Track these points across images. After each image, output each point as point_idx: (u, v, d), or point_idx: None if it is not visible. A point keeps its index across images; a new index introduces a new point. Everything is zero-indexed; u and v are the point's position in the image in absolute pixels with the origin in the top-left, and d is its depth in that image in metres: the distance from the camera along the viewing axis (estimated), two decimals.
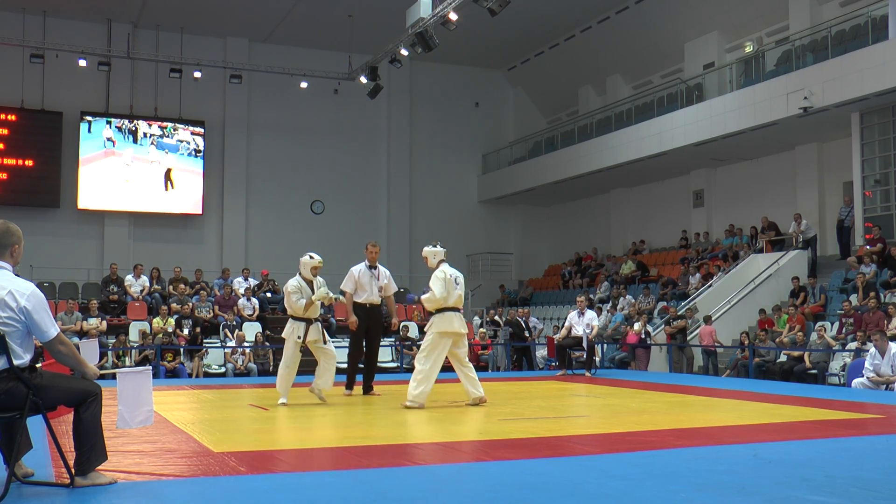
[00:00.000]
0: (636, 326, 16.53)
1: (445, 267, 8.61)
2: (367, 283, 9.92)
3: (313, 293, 8.88)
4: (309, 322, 8.87)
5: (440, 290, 8.39)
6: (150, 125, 23.27)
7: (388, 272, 10.21)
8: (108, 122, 22.89)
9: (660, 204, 24.27)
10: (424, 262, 8.86)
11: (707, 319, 15.91)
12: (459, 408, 8.47)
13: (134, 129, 23.14)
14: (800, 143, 19.56)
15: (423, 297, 8.67)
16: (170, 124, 23.45)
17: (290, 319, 8.96)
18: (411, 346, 16.37)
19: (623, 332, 17.54)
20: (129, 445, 5.74)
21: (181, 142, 23.56)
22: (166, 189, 23.28)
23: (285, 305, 9.35)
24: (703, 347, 15.64)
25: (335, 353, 9.18)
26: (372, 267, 10.01)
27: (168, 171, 23.34)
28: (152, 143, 23.27)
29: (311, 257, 9.08)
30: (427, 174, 26.78)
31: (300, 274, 9.03)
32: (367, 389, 10.06)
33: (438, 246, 8.81)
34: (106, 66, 21.62)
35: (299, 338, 8.81)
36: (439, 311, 8.41)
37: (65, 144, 22.36)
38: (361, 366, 10.22)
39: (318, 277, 9.12)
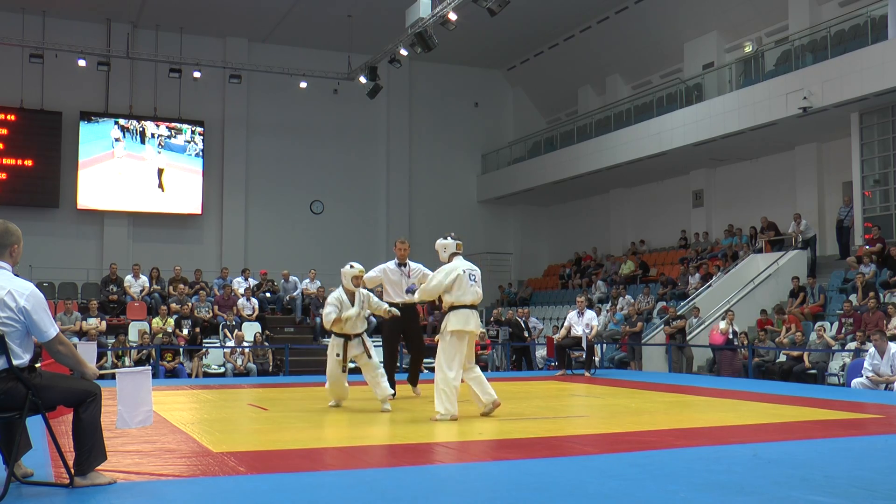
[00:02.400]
0: (722, 325, 15.03)
1: (458, 261, 7.89)
2: (397, 281, 9.35)
3: (353, 306, 8.28)
4: (348, 338, 8.31)
5: (437, 282, 7.71)
6: (157, 125, 23.28)
7: (421, 267, 9.54)
8: (116, 123, 22.91)
9: (659, 204, 24.27)
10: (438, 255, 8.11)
11: (730, 314, 15.90)
12: (460, 407, 8.45)
13: (142, 129, 23.15)
14: (799, 143, 19.56)
15: (417, 288, 8.18)
16: (180, 125, 23.45)
17: (332, 335, 8.47)
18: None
19: (622, 332, 17.55)
20: (129, 445, 5.74)
21: (188, 142, 23.56)
22: (162, 190, 23.19)
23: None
24: (712, 346, 15.50)
25: (378, 363, 8.48)
26: (401, 265, 9.47)
27: (160, 172, 23.27)
28: (159, 144, 23.27)
29: (350, 266, 8.46)
30: (426, 174, 26.78)
31: (342, 286, 8.43)
32: (413, 383, 9.75)
33: (450, 238, 8.02)
34: (105, 65, 21.60)
35: (338, 355, 8.29)
36: (453, 308, 7.64)
37: (64, 144, 22.35)
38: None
39: (362, 289, 8.50)
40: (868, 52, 15.75)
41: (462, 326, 7.56)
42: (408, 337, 9.80)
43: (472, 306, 7.72)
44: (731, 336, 14.89)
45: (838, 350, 13.62)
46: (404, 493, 4.43)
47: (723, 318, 15.47)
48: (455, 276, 7.67)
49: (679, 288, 19.09)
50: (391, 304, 9.12)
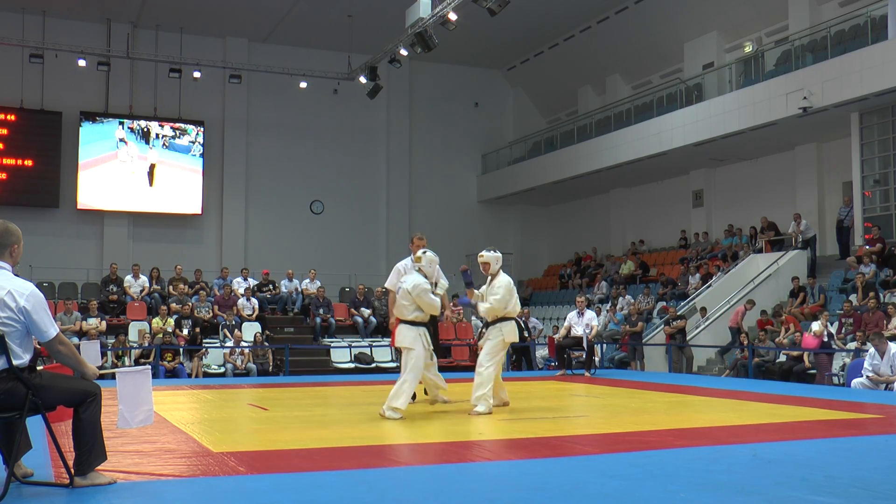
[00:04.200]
0: (815, 327, 13.59)
1: (505, 274, 8.14)
2: None
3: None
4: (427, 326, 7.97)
5: (506, 298, 7.95)
6: (161, 126, 23.27)
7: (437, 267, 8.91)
8: (121, 123, 22.90)
9: (659, 204, 24.27)
10: (483, 268, 8.15)
11: (750, 303, 15.98)
12: (460, 407, 8.46)
13: (146, 130, 23.13)
14: (799, 143, 19.57)
15: (489, 303, 7.96)
16: (184, 126, 23.44)
17: (409, 325, 7.80)
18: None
19: (622, 332, 17.55)
20: (129, 445, 5.74)
21: (192, 143, 23.55)
22: (150, 185, 23.09)
23: (400, 306, 7.86)
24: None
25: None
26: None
27: (152, 167, 23.19)
28: (163, 145, 23.26)
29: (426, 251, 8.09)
30: (426, 174, 26.78)
31: (421, 271, 7.96)
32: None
33: (498, 251, 8.23)
34: (105, 65, 21.60)
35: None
36: (506, 319, 8.02)
37: (64, 144, 22.35)
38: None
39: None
40: (868, 52, 15.75)
41: (513, 338, 8.25)
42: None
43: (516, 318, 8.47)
44: (826, 338, 13.50)
45: (838, 350, 13.61)
46: (404, 493, 4.43)
47: (817, 320, 14.08)
48: (514, 289, 8.19)
49: (679, 288, 19.09)
50: None
